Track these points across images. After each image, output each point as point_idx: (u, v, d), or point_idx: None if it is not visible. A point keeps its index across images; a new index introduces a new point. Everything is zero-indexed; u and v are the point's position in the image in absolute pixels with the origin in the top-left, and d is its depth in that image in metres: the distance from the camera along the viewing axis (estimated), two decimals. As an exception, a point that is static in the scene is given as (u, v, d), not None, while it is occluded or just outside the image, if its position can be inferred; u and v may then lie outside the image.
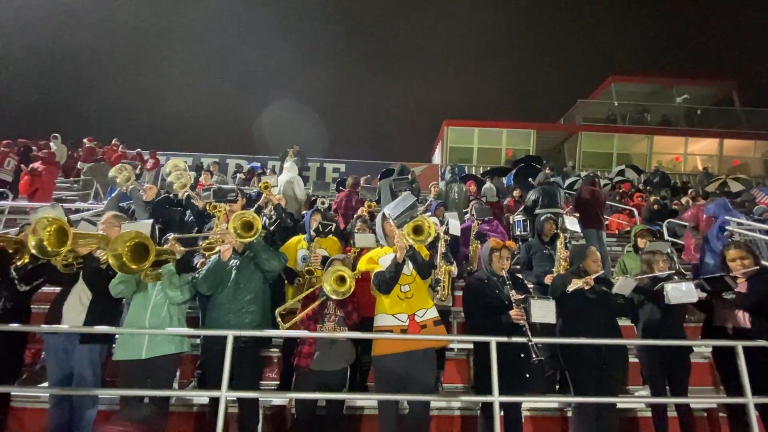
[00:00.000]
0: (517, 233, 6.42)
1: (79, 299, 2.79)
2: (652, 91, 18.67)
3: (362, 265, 3.14)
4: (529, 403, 3.27)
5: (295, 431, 2.93)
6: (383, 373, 2.77)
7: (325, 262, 3.38)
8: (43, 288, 3.00)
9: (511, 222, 6.61)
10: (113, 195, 4.42)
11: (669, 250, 3.79)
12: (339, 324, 2.90)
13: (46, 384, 3.04)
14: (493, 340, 2.65)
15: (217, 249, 3.36)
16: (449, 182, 6.47)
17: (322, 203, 4.19)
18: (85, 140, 11.29)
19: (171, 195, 4.49)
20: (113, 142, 12.43)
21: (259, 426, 3.00)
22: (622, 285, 2.97)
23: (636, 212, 9.20)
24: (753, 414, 2.63)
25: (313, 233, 3.67)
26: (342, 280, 2.70)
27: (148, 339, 2.70)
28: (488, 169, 15.24)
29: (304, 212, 6.35)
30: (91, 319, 2.77)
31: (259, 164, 14.20)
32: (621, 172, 15.30)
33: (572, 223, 3.83)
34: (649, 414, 3.29)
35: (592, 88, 19.48)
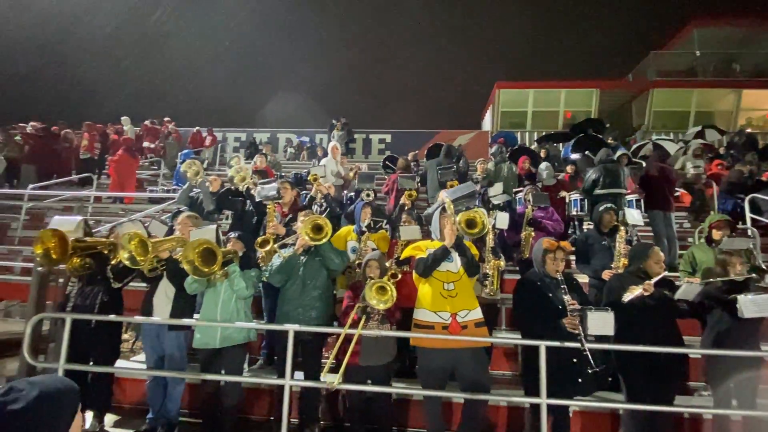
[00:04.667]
0: (573, 213, 6.12)
1: (165, 293, 3.22)
2: (742, 36, 15.98)
3: (408, 251, 3.23)
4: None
5: (350, 414, 3.21)
6: (427, 366, 2.89)
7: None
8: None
9: (567, 201, 6.29)
10: (184, 188, 4.83)
11: (751, 246, 3.45)
12: (382, 322, 3.04)
13: (141, 357, 3.65)
14: (542, 344, 2.65)
15: (270, 244, 3.65)
16: (498, 162, 6.21)
17: (368, 195, 4.26)
18: (146, 122, 12.24)
19: (233, 187, 4.81)
20: (165, 120, 13.25)
21: (320, 406, 3.36)
22: (687, 290, 2.78)
23: (714, 183, 8.27)
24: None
25: (364, 228, 3.79)
26: (382, 290, 2.81)
27: (220, 331, 3.05)
28: (543, 134, 14.35)
29: (345, 192, 6.45)
30: (175, 309, 3.19)
31: (307, 138, 14.50)
32: (700, 134, 13.63)
33: (634, 218, 3.56)
34: (710, 417, 3.18)
35: (668, 37, 17.13)
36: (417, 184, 5.32)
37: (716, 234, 3.89)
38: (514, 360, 4.14)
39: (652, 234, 5.82)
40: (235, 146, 14.94)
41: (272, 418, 3.25)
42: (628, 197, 5.83)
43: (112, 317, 3.12)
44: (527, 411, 3.16)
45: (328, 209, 4.69)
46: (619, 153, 6.96)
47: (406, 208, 4.68)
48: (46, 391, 0.95)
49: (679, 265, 4.30)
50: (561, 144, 11.87)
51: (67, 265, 3.21)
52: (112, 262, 3.21)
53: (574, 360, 2.72)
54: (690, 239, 6.82)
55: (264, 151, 8.98)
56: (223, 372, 3.09)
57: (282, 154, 14.20)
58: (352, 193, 5.94)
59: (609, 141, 10.00)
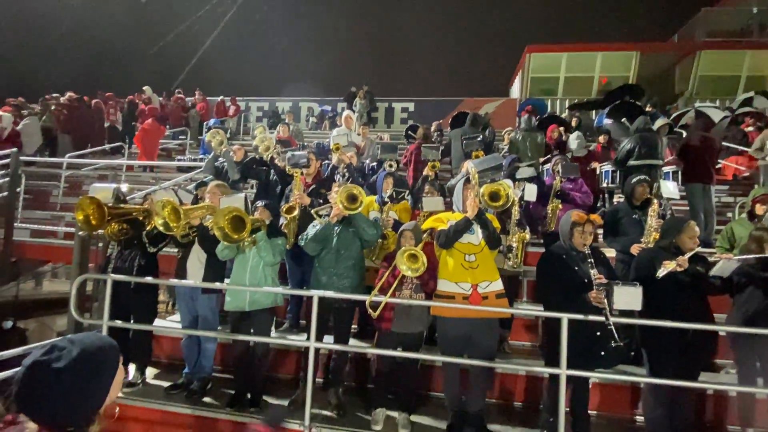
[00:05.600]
0: (604, 185, 5.90)
1: (197, 258, 3.38)
2: (811, -12, 14.34)
3: (429, 222, 3.23)
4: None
5: (377, 377, 3.33)
6: (445, 335, 2.98)
7: (397, 226, 3.55)
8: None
9: (598, 172, 6.05)
10: (209, 157, 4.92)
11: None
12: (416, 291, 3.07)
13: (177, 317, 3.91)
14: (564, 317, 2.63)
15: (296, 211, 3.72)
16: (522, 130, 5.98)
17: (390, 166, 4.21)
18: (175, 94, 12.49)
19: (257, 156, 4.87)
20: (196, 92, 13.39)
21: (347, 368, 3.48)
22: (723, 267, 2.67)
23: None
24: None
25: (386, 199, 3.79)
26: (413, 257, 2.82)
27: (249, 295, 3.19)
28: (575, 102, 13.61)
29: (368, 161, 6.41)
30: (208, 273, 3.36)
31: (329, 107, 14.36)
32: (748, 101, 12.56)
33: (669, 191, 3.39)
34: (734, 394, 3.14)
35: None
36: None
37: (759, 209, 3.67)
38: (534, 331, 4.17)
39: (688, 208, 5.55)
40: (258, 116, 15.00)
41: (299, 376, 3.42)
42: (665, 169, 5.54)
43: (149, 279, 3.31)
44: (546, 381, 3.20)
45: (350, 179, 4.70)
46: (659, 122, 6.52)
47: (429, 179, 4.63)
48: (87, 349, 1.01)
49: (716, 241, 4.11)
50: (594, 112, 11.27)
51: (106, 231, 3.40)
52: (147, 228, 3.37)
53: (598, 333, 2.70)
54: (729, 214, 6.49)
55: (286, 121, 8.99)
56: (252, 332, 3.26)
57: (304, 124, 14.17)
58: (374, 163, 5.92)
59: (647, 108, 9.41)
